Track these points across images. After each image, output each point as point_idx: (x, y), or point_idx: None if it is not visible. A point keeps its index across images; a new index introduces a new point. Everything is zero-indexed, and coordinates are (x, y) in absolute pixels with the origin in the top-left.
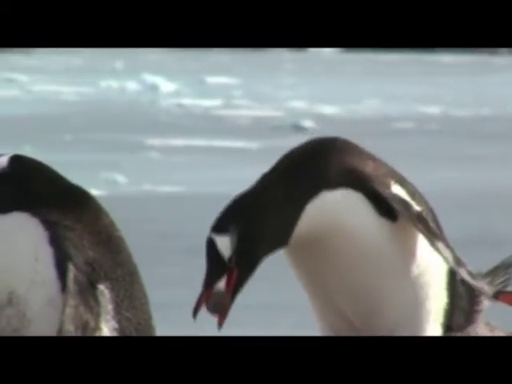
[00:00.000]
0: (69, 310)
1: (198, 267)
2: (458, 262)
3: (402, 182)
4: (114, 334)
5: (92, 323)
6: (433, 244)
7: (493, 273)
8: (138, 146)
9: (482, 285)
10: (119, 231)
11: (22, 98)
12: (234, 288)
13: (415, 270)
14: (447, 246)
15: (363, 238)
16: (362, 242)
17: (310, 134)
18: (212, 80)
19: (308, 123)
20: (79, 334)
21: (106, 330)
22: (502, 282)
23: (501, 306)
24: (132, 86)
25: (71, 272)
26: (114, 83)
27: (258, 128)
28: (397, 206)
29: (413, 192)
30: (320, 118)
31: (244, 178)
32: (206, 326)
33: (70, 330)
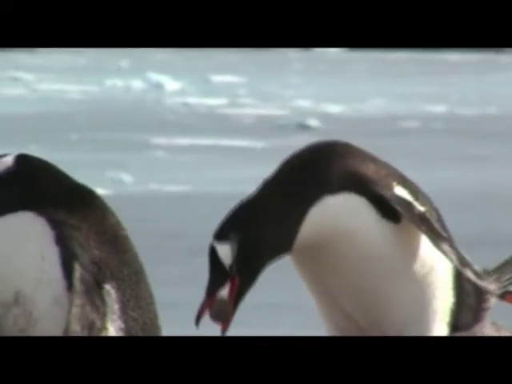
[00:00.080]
0: (75, 310)
1: (203, 267)
2: (462, 261)
3: (405, 183)
4: (120, 334)
5: (98, 323)
6: (436, 244)
7: (500, 270)
8: (144, 145)
9: (488, 284)
10: (125, 230)
11: (28, 97)
12: (236, 296)
13: (420, 271)
14: (451, 245)
15: (367, 241)
16: (366, 245)
17: (316, 133)
18: (217, 79)
19: (313, 122)
20: (85, 333)
21: (112, 329)
22: (510, 279)
23: (507, 305)
24: (137, 84)
25: (77, 271)
26: (119, 82)
27: (263, 127)
28: (399, 208)
29: (416, 192)
30: (325, 117)
31: (249, 177)
32: (209, 326)
33: (76, 329)
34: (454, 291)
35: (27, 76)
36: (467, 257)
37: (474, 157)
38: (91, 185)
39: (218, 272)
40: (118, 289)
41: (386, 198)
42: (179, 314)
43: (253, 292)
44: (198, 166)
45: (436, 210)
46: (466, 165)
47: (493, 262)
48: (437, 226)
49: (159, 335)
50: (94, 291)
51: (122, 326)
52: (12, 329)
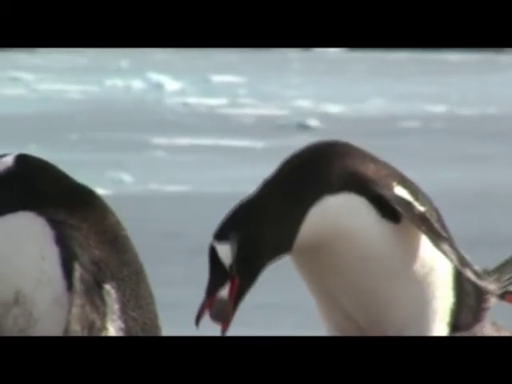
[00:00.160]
0: (75, 310)
1: (203, 267)
2: (462, 261)
3: (405, 183)
4: (120, 334)
5: (98, 323)
6: (436, 244)
7: (500, 270)
8: (144, 145)
9: (488, 284)
10: (125, 230)
11: (28, 97)
12: (236, 296)
13: (420, 271)
14: (451, 245)
15: (367, 241)
16: (366, 245)
17: (316, 133)
18: (217, 79)
19: (313, 122)
20: (85, 333)
21: (112, 329)
22: (510, 279)
23: (507, 305)
24: (137, 84)
25: (77, 271)
26: (119, 82)
27: (263, 127)
28: (399, 208)
29: (416, 192)
30: (325, 117)
31: (249, 177)
32: (209, 326)
33: (76, 329)
34: (454, 291)
35: (27, 76)
36: (467, 257)
37: (474, 157)
38: (91, 185)
39: (217, 272)
40: (118, 289)
41: (386, 197)
42: (179, 313)
43: (253, 292)
44: (198, 166)
45: (436, 210)
46: (466, 165)
47: (493, 262)
48: (437, 226)
49: (159, 335)
50: (94, 291)
51: (122, 326)
52: (12, 329)
